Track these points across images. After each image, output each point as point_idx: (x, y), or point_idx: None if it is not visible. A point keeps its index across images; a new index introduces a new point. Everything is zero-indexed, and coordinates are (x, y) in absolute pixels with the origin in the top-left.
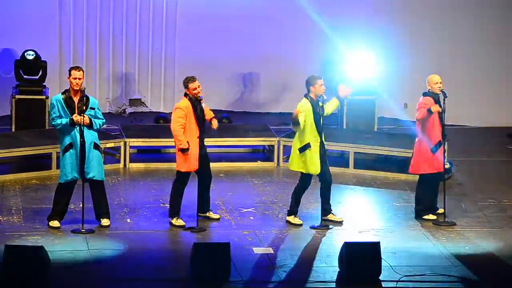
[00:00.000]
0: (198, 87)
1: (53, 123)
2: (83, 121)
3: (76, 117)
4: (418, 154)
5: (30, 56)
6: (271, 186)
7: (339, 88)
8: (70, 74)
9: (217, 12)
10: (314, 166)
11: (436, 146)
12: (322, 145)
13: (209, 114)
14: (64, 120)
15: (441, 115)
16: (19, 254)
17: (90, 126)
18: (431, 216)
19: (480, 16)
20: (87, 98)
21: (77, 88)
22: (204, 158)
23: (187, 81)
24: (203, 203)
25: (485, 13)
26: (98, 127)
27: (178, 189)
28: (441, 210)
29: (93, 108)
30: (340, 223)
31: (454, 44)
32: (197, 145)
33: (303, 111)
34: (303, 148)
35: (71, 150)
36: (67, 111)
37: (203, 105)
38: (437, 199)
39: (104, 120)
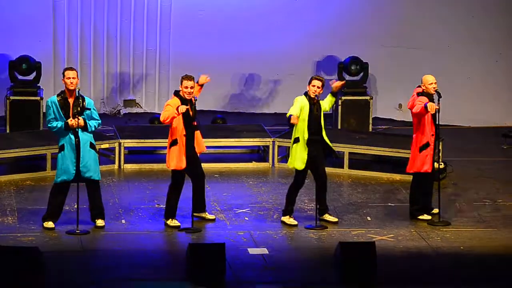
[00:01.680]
0: (190, 88)
1: (48, 125)
2: (78, 124)
3: (71, 121)
4: (411, 152)
5: (23, 61)
6: (266, 187)
7: (331, 84)
8: (64, 75)
9: (212, 12)
10: (299, 161)
11: (423, 146)
12: (320, 144)
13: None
14: (60, 123)
15: (435, 115)
16: (13, 255)
17: (84, 128)
18: (426, 216)
19: (475, 15)
20: (83, 99)
21: (72, 88)
22: (194, 158)
23: (183, 78)
24: (198, 203)
25: (480, 12)
26: (93, 129)
27: (173, 190)
28: (435, 210)
29: (89, 109)
30: (335, 223)
31: (448, 43)
32: (183, 144)
33: (298, 103)
34: (294, 141)
35: (63, 152)
36: (61, 113)
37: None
38: (431, 199)
39: (99, 121)
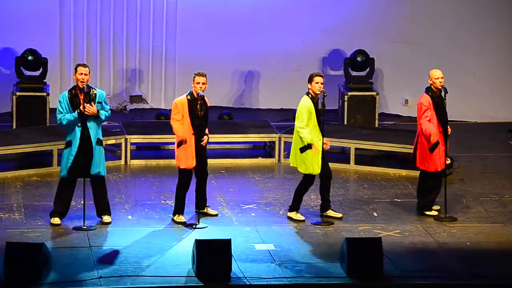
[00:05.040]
0: (202, 84)
1: (61, 118)
2: (91, 111)
3: (88, 108)
4: (419, 149)
5: (30, 57)
6: (272, 183)
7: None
8: (76, 71)
9: (218, 9)
10: (315, 166)
11: (433, 147)
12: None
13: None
14: (71, 115)
15: (440, 112)
16: (20, 251)
17: (97, 116)
18: (433, 212)
19: (481, 10)
20: (94, 91)
21: (84, 85)
22: (203, 157)
23: (196, 74)
24: (200, 200)
25: (487, 7)
26: (103, 118)
27: (179, 187)
28: (437, 207)
29: (100, 102)
30: (339, 219)
31: (455, 38)
32: (192, 143)
33: (305, 112)
34: (304, 148)
35: (69, 147)
36: (71, 108)
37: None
38: (436, 196)
39: (110, 112)
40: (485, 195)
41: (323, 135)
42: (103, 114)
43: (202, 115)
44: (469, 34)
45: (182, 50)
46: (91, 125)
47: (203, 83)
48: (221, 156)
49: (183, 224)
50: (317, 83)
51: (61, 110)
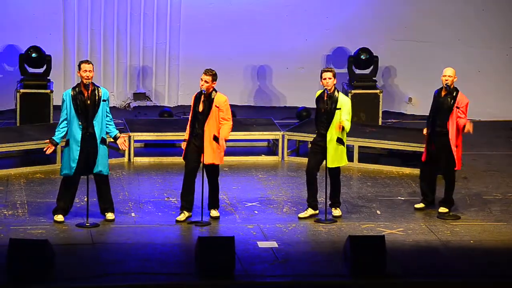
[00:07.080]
0: (201, 80)
1: (59, 125)
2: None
3: (123, 146)
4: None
5: (34, 54)
6: (276, 180)
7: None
8: (80, 68)
9: (221, 6)
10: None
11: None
12: (324, 139)
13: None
14: (58, 135)
15: (437, 108)
16: (23, 247)
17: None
18: (420, 205)
19: (485, 8)
20: (99, 90)
21: (88, 82)
22: (207, 157)
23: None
24: (208, 200)
25: (491, 6)
26: (116, 132)
27: (183, 181)
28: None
29: (105, 100)
30: (339, 217)
31: (458, 37)
32: (187, 138)
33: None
34: None
35: (68, 146)
36: (73, 106)
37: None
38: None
39: (112, 122)
40: (488, 194)
41: (321, 134)
42: (114, 130)
43: (204, 111)
44: (473, 32)
45: (185, 48)
46: (96, 123)
47: (206, 81)
48: (225, 153)
49: (185, 221)
50: (324, 79)
51: (63, 111)
